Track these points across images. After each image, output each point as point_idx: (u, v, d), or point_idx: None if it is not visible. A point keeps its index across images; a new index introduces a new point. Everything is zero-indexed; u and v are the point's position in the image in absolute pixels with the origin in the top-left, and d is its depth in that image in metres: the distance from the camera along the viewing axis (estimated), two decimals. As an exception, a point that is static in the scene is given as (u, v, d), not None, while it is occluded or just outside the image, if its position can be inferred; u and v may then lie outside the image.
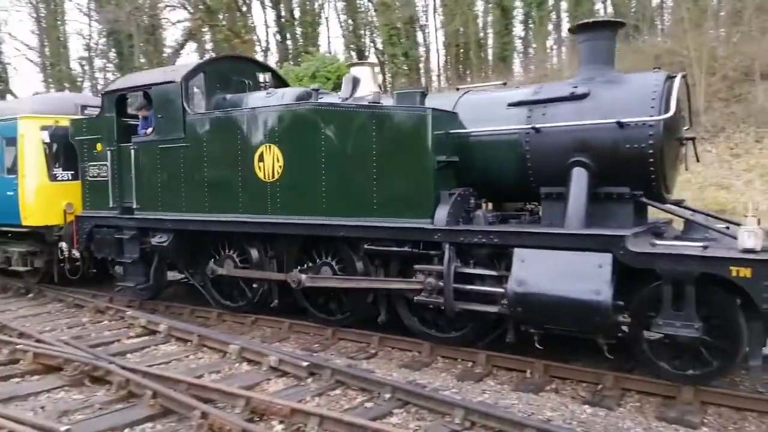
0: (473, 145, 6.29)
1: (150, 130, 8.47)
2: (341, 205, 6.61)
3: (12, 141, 9.97)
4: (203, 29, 26.57)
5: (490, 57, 23.59)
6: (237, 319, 8.02)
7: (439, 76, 27.04)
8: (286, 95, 7.83)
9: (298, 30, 26.94)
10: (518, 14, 23.38)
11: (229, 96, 8.41)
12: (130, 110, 9.29)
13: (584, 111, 5.70)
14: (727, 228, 5.57)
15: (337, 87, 19.85)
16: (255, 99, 8.08)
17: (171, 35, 29.51)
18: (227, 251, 7.99)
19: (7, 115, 10.17)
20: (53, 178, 9.87)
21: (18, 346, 6.49)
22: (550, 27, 23.10)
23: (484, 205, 6.42)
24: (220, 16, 25.62)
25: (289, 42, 27.48)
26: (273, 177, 7.12)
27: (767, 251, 4.62)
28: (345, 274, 6.86)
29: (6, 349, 6.59)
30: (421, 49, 25.27)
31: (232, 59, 10.30)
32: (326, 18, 28.03)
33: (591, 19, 6.12)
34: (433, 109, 6.13)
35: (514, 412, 4.72)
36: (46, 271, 10.17)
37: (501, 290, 5.60)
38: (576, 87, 5.86)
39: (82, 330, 7.88)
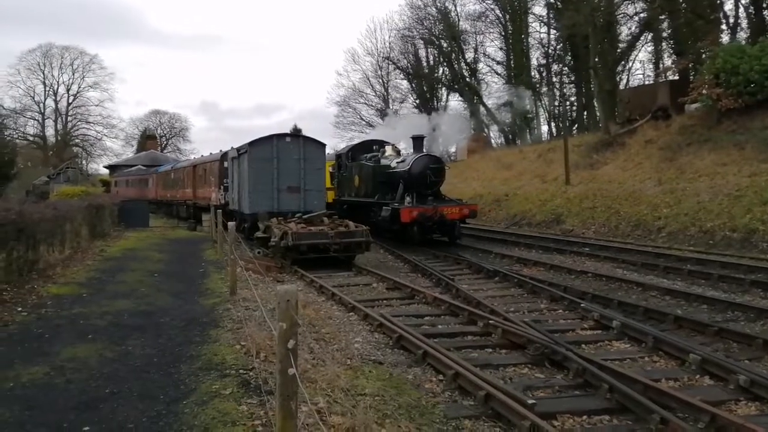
0: (393, 175, 17.81)
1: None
2: (367, 193, 18.98)
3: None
4: (661, 17, 25.13)
5: None
6: (696, 327, 7.40)
7: None
8: (368, 158, 20.12)
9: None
10: None
11: (361, 156, 20.35)
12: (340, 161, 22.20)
13: (401, 165, 17.66)
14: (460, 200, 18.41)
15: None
16: (365, 158, 20.02)
17: (626, 30, 28.90)
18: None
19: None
20: (331, 185, 21.84)
21: (490, 322, 7.58)
22: None
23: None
24: (680, 0, 23.74)
25: (765, 13, 23.42)
26: (356, 185, 19.81)
27: (395, 208, 16.26)
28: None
29: (481, 322, 7.79)
30: None
31: (368, 142, 22.02)
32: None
33: (416, 135, 18.23)
34: (386, 164, 18.65)
35: None
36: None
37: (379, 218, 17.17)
38: (404, 156, 18.52)
39: (540, 315, 8.60)
